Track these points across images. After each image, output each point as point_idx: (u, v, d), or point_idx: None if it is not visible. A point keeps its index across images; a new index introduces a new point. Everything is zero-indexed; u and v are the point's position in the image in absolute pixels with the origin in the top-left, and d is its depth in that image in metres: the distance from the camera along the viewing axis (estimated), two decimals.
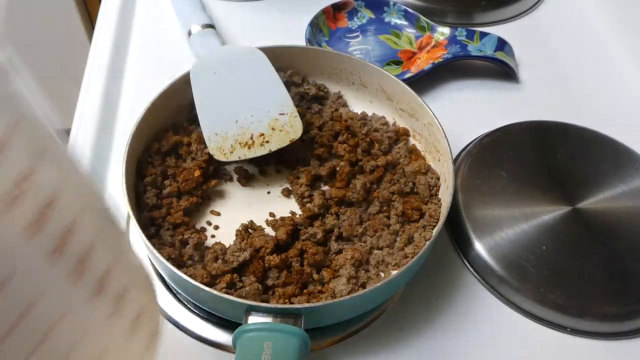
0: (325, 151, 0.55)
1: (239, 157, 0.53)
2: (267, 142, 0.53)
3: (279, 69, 0.57)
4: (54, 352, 0.21)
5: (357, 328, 0.47)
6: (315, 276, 0.47)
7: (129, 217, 0.49)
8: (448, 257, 0.53)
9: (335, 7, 0.73)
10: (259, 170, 0.55)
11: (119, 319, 0.23)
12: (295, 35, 0.68)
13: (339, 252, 0.49)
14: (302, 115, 0.55)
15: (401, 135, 0.57)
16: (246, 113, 0.54)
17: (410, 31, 0.73)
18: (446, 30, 0.70)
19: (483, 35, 0.69)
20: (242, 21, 0.75)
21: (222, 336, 0.46)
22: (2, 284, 0.17)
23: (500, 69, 0.68)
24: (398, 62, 0.69)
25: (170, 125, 0.55)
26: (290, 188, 0.54)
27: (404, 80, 0.56)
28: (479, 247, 0.51)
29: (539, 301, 0.48)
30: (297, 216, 0.51)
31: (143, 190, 0.50)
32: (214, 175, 0.54)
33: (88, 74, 0.66)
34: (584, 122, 0.63)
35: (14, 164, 0.18)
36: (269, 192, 0.54)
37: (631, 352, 0.48)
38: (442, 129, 0.51)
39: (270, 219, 0.51)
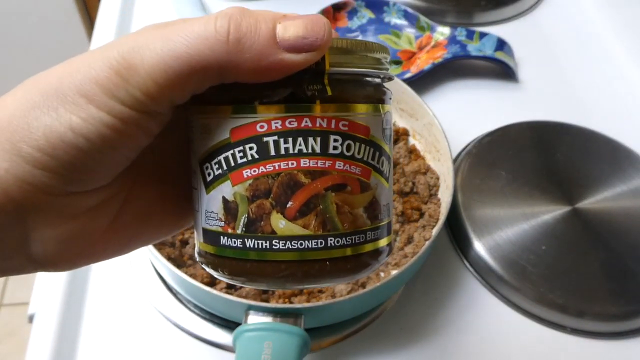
0: None
1: None
2: None
3: None
4: None
5: (357, 328, 0.47)
6: None
7: None
8: (448, 257, 0.53)
9: (335, 7, 0.73)
10: None
11: None
12: None
13: None
14: None
15: (401, 135, 0.57)
16: None
17: (410, 31, 0.73)
18: (446, 30, 0.70)
19: (483, 35, 0.69)
20: None
21: (222, 336, 0.46)
22: None
23: (500, 69, 0.69)
24: (398, 62, 0.69)
25: None
26: None
27: (404, 80, 0.56)
28: (479, 247, 0.51)
29: (539, 301, 0.48)
30: None
31: None
32: None
33: None
34: (584, 122, 0.63)
35: None
36: None
37: (631, 352, 0.48)
38: (442, 129, 0.51)
39: None
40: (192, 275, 0.44)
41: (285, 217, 0.21)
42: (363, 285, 0.46)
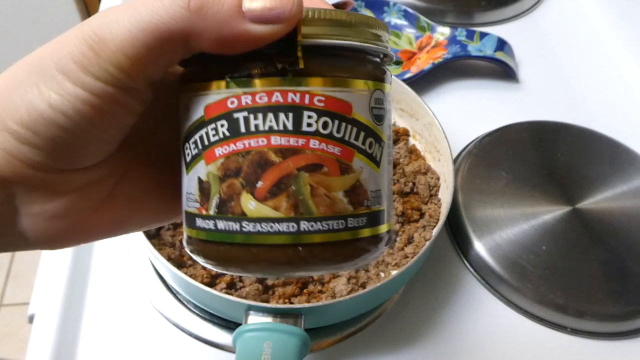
0: None
1: None
2: None
3: None
4: None
5: (357, 328, 0.47)
6: (316, 276, 0.47)
7: None
8: (448, 257, 0.53)
9: (336, 7, 0.73)
10: None
11: None
12: None
13: None
14: None
15: (401, 135, 0.57)
16: None
17: (410, 31, 0.73)
18: (446, 30, 0.70)
19: (483, 35, 0.69)
20: None
21: (222, 336, 0.46)
22: None
23: (500, 69, 0.69)
24: (398, 62, 0.69)
25: None
26: None
27: (404, 80, 0.56)
28: (479, 247, 0.51)
29: (539, 301, 0.48)
30: None
31: None
32: None
33: None
34: (584, 122, 0.63)
35: None
36: None
37: (631, 352, 0.48)
38: (442, 129, 0.51)
39: None
40: (192, 275, 0.44)
41: (255, 197, 0.19)
42: (363, 286, 0.46)
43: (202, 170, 0.20)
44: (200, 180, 0.21)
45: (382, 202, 0.22)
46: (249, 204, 0.19)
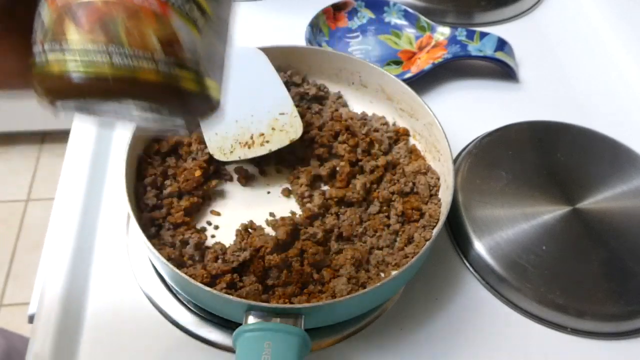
0: (325, 151, 0.55)
1: (239, 157, 0.53)
2: (267, 142, 0.53)
3: (279, 69, 0.57)
4: None
5: (357, 328, 0.47)
6: (316, 276, 0.47)
7: (129, 217, 0.49)
8: (448, 257, 0.53)
9: (335, 7, 0.73)
10: (259, 170, 0.55)
11: None
12: (295, 35, 0.68)
13: (339, 252, 0.49)
14: (302, 115, 0.55)
15: (401, 135, 0.57)
16: (246, 113, 0.54)
17: (410, 31, 0.73)
18: (446, 30, 0.70)
19: (483, 35, 0.69)
20: (242, 21, 0.74)
21: (222, 336, 0.46)
22: None
23: (500, 69, 0.69)
24: (398, 62, 0.69)
25: None
26: (290, 188, 0.54)
27: (404, 80, 0.56)
28: (479, 247, 0.51)
29: (539, 301, 0.48)
30: (297, 216, 0.51)
31: (143, 191, 0.50)
32: (214, 175, 0.54)
33: None
34: (584, 122, 0.63)
35: None
36: (269, 192, 0.54)
37: (631, 352, 0.48)
38: (442, 129, 0.51)
39: (270, 218, 0.51)
40: (192, 276, 0.44)
41: (79, 28, 0.23)
42: (363, 285, 0.46)
43: (44, 9, 0.25)
44: (41, 16, 0.25)
45: (204, 67, 0.25)
46: (73, 34, 0.23)
